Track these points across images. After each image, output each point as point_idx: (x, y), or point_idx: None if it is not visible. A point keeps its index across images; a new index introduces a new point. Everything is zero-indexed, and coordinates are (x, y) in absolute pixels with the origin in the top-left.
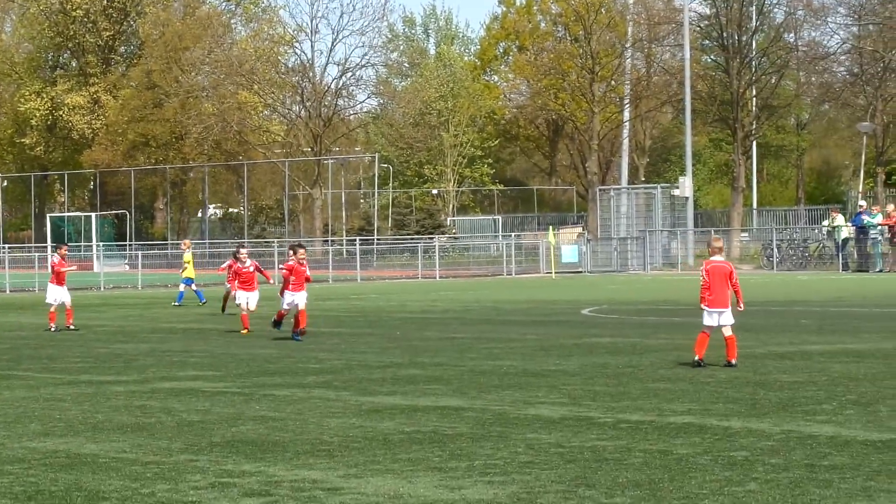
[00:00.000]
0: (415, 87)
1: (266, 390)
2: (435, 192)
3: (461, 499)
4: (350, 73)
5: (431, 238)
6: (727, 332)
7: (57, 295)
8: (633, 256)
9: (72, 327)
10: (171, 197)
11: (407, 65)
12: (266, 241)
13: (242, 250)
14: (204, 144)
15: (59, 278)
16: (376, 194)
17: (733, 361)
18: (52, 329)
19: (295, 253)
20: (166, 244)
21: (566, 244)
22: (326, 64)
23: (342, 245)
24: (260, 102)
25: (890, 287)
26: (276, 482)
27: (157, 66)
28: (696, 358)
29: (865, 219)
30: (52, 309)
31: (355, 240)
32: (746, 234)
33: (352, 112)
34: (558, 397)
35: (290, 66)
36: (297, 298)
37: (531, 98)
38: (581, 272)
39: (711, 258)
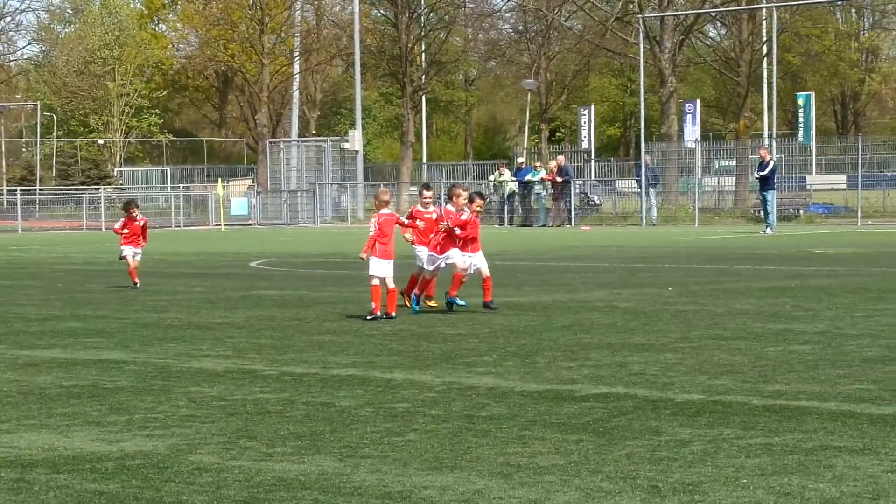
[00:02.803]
0: (78, 35)
1: None
2: (101, 142)
3: (119, 451)
4: (9, 18)
5: (97, 189)
6: (391, 283)
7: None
8: (304, 209)
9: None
10: None
11: (70, 11)
12: None
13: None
14: None
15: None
16: (39, 143)
17: (393, 314)
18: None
19: None
20: None
21: (236, 196)
22: None
23: (2, 195)
24: None
25: (552, 241)
26: None
27: None
28: (377, 313)
29: (528, 176)
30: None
31: (16, 190)
32: (415, 188)
33: (12, 59)
34: (223, 350)
35: None
36: None
37: (200, 48)
38: (251, 225)
39: (380, 211)
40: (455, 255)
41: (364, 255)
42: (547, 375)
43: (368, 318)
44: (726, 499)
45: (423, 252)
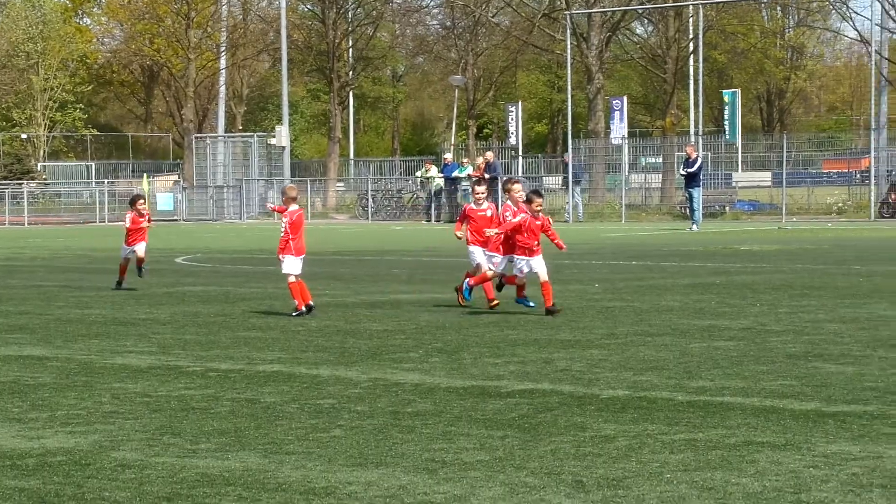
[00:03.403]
0: (1, 28)
1: None
2: (24, 136)
3: (40, 447)
4: None
5: (20, 184)
6: (292, 278)
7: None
8: (230, 205)
9: None
10: None
11: None
12: None
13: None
14: None
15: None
16: None
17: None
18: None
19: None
20: None
21: (161, 192)
22: None
23: None
24: None
25: None
26: None
27: None
28: (301, 309)
29: (455, 172)
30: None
31: None
32: (342, 184)
33: None
34: (147, 346)
35: None
36: None
37: (125, 43)
38: (176, 220)
39: (290, 208)
40: (477, 255)
41: (281, 256)
42: (473, 372)
43: (294, 314)
44: (650, 493)
45: (476, 252)
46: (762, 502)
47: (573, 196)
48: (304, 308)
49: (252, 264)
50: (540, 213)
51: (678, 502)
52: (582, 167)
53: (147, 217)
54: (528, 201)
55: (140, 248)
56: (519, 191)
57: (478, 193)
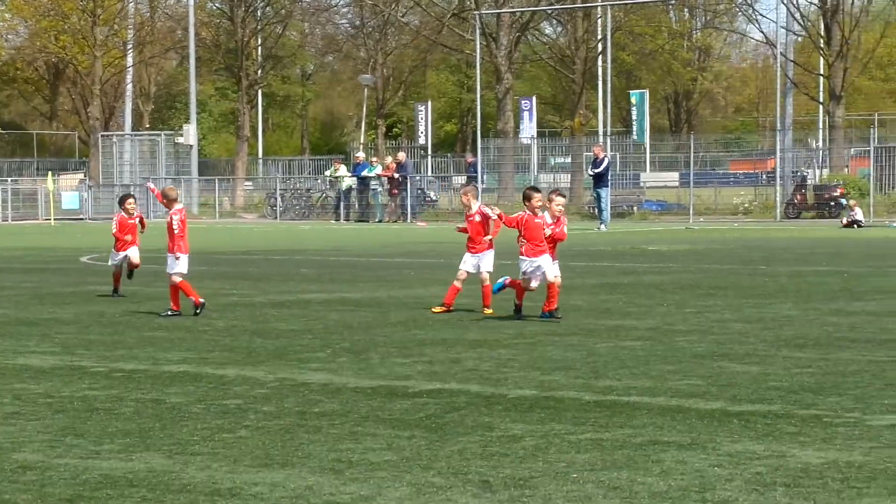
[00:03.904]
0: None
1: None
2: None
3: None
4: None
5: None
6: (176, 278)
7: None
8: (137, 204)
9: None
10: None
11: None
12: None
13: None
14: None
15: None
16: None
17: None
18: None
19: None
20: None
21: (67, 190)
22: None
23: None
24: None
25: (387, 237)
26: None
27: None
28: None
29: (365, 172)
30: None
31: None
32: (251, 184)
33: None
34: (50, 347)
35: None
36: None
37: (30, 39)
38: (82, 219)
39: (176, 207)
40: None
41: (177, 254)
42: (380, 371)
43: (170, 314)
44: (556, 493)
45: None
46: (667, 501)
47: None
48: (198, 306)
49: (158, 263)
50: (557, 215)
51: (584, 502)
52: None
53: (138, 218)
54: (526, 198)
55: (133, 254)
56: (559, 204)
57: (558, 203)
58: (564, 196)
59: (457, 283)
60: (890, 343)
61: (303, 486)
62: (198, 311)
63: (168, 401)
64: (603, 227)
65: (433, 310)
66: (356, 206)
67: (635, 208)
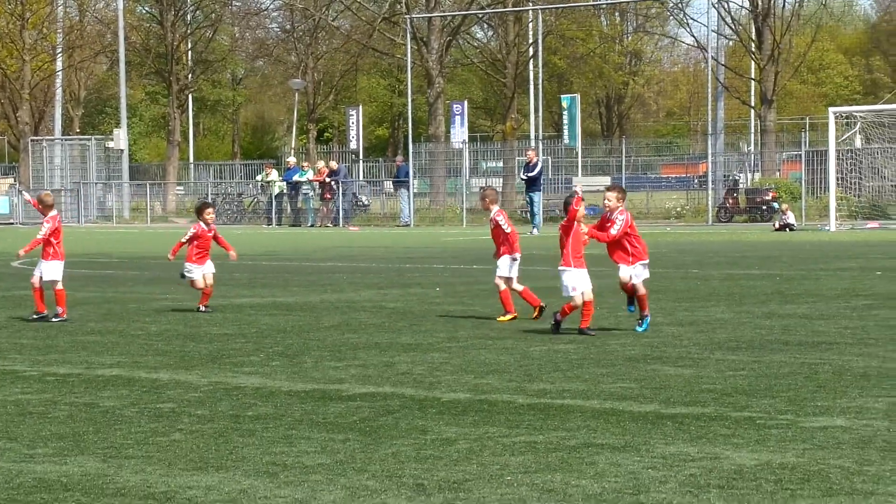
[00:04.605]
0: None
1: None
2: None
3: None
4: None
5: None
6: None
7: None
8: (68, 209)
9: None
10: None
11: None
12: None
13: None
14: None
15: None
16: None
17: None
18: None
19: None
20: None
21: None
22: None
23: None
24: None
25: (319, 241)
26: None
27: None
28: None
29: (296, 176)
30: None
31: None
32: (182, 188)
33: None
34: None
35: None
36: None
37: None
38: (13, 224)
39: (51, 214)
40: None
41: (47, 260)
42: (314, 375)
43: (36, 317)
44: (491, 496)
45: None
46: (602, 503)
47: (405, 199)
48: (51, 312)
49: (90, 268)
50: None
51: (519, 503)
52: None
53: (213, 232)
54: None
55: (209, 272)
56: (612, 199)
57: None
58: (614, 189)
59: (501, 287)
60: (822, 345)
61: (237, 489)
62: (54, 320)
63: (102, 404)
64: (535, 230)
65: (499, 319)
66: (288, 210)
67: None
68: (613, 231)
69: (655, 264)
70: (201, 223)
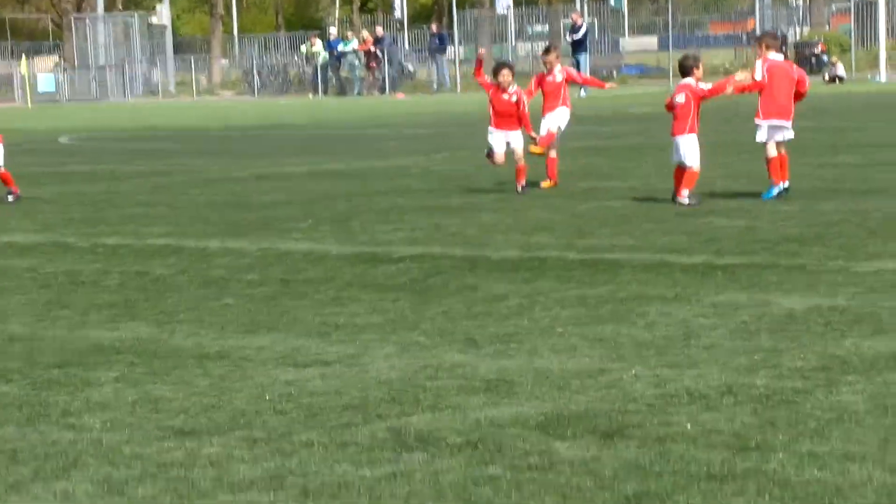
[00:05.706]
0: None
1: None
2: None
3: None
4: None
5: None
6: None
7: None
8: (113, 85)
9: None
10: None
11: None
12: None
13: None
14: None
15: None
16: None
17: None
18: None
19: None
20: None
21: (42, 73)
22: None
23: None
24: None
25: (365, 110)
26: None
27: None
28: None
29: (340, 46)
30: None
31: None
32: (227, 61)
33: None
34: (32, 225)
35: None
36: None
37: None
38: (59, 101)
39: None
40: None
41: None
42: (363, 238)
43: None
44: (542, 346)
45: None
46: (652, 350)
47: (440, 66)
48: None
49: (137, 142)
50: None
51: (570, 352)
52: (443, 37)
53: (518, 95)
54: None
55: (516, 142)
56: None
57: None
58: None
59: (552, 154)
60: (873, 193)
61: (290, 347)
62: (10, 198)
63: (152, 272)
64: (583, 92)
65: (542, 184)
66: (333, 80)
67: (615, 73)
68: (758, 77)
69: (705, 120)
70: (495, 85)
